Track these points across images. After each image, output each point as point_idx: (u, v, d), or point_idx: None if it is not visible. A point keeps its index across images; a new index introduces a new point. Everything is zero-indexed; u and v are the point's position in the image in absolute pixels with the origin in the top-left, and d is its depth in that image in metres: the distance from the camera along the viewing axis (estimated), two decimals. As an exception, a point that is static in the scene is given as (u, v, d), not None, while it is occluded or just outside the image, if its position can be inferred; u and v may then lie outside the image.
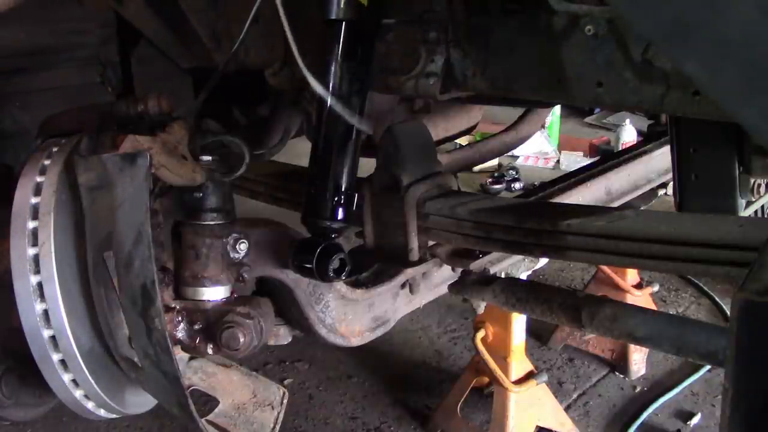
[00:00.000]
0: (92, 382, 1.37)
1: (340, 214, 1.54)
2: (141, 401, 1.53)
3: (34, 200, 1.33)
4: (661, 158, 2.66)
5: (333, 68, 1.52)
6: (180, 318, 1.48)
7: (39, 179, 1.35)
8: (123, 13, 2.22)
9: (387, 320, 1.91)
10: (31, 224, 1.32)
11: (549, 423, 2.78)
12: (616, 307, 1.57)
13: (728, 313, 3.49)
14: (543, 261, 2.33)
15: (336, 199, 1.53)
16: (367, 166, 1.81)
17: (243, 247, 1.52)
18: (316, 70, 1.44)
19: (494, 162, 5.56)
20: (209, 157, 1.46)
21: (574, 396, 3.17)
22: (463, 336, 3.58)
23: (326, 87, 1.53)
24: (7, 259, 1.33)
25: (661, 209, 1.78)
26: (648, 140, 2.81)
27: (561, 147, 6.23)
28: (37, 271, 1.30)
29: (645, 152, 2.66)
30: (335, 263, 1.51)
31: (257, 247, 1.56)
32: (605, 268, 3.24)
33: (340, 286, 1.74)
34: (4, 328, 1.41)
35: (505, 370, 2.66)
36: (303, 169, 2.02)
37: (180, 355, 1.57)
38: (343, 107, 1.47)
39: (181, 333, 1.48)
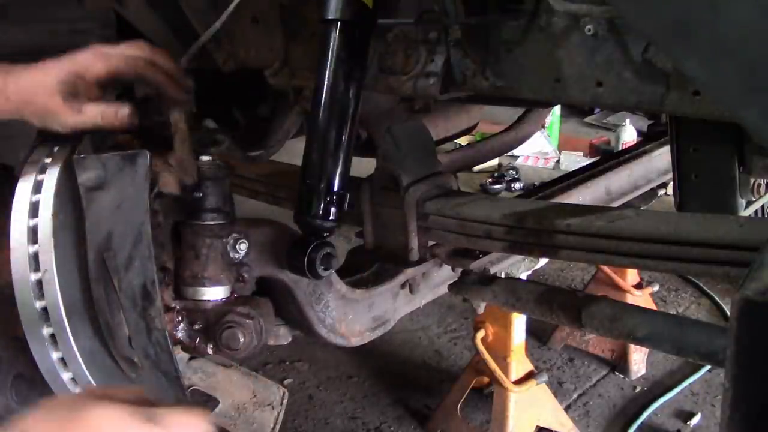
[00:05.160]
0: (92, 382, 1.37)
1: (332, 213, 1.54)
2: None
3: (34, 199, 1.33)
4: (661, 158, 2.66)
5: (328, 67, 1.52)
6: (180, 318, 1.48)
7: (39, 178, 1.35)
8: (123, 12, 2.23)
9: (387, 320, 1.91)
10: (31, 222, 1.32)
11: (549, 423, 2.78)
12: (616, 307, 1.57)
13: (728, 313, 3.49)
14: (543, 261, 2.33)
15: (327, 198, 1.53)
16: (367, 166, 1.81)
17: (243, 247, 1.52)
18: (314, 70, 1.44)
19: (494, 162, 5.56)
20: (209, 157, 1.46)
21: (574, 396, 3.16)
22: (463, 336, 3.57)
23: (321, 86, 1.53)
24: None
25: (661, 209, 1.78)
26: (648, 140, 2.80)
27: (561, 147, 6.22)
28: (37, 270, 1.30)
29: (645, 152, 2.66)
30: (322, 259, 1.51)
31: (257, 247, 1.56)
32: (605, 268, 3.24)
33: (340, 285, 1.74)
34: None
35: (505, 370, 2.66)
36: (303, 169, 2.02)
37: (180, 355, 1.57)
38: None
39: (181, 333, 1.48)
